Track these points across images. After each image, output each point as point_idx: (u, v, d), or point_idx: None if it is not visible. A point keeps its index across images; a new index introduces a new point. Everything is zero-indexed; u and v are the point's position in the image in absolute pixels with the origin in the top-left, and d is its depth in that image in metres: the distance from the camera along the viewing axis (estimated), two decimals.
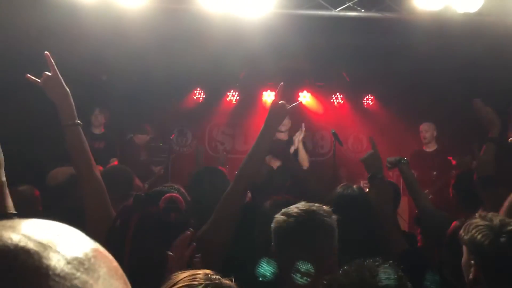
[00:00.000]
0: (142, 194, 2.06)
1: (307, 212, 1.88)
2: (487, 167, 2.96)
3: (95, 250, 0.57)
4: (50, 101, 2.43)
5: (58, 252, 0.52)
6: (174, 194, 2.05)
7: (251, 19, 4.89)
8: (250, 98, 8.84)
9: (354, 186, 2.75)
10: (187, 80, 7.96)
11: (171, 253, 1.76)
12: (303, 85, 8.72)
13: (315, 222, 1.87)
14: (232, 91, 8.75)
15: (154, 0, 4.65)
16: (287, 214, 1.91)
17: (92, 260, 0.55)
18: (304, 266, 1.79)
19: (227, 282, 1.44)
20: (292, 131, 5.61)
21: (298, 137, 5.27)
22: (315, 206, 1.92)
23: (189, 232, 1.82)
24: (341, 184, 2.79)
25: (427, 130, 6.70)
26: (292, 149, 5.57)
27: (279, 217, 1.92)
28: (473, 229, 1.97)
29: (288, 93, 8.75)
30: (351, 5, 4.82)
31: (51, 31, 5.23)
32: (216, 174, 3.26)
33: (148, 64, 6.39)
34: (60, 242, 0.54)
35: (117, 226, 1.96)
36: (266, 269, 1.92)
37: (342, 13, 4.83)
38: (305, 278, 1.77)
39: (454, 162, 6.32)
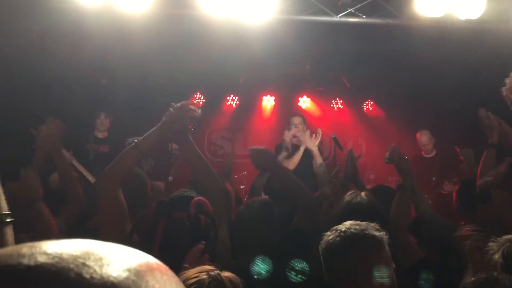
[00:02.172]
0: (165, 200, 2.04)
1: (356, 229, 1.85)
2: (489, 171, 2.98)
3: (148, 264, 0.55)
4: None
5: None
6: (202, 198, 2.04)
7: (252, 24, 4.90)
8: (250, 103, 8.86)
9: (363, 194, 2.71)
10: (188, 84, 7.96)
11: (186, 265, 1.76)
12: (303, 90, 8.75)
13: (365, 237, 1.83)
14: (232, 95, 8.76)
15: (156, 5, 4.65)
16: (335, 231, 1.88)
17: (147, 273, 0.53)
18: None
19: (227, 274, 1.49)
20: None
21: (315, 142, 5.25)
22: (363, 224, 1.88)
23: (201, 245, 1.81)
24: (349, 192, 2.74)
25: (427, 142, 6.70)
26: (300, 151, 5.60)
27: (327, 234, 1.88)
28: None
29: (288, 98, 8.80)
30: (353, 11, 4.83)
31: (53, 36, 5.23)
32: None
33: (149, 68, 6.40)
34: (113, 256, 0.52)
35: (140, 234, 1.93)
36: (261, 267, 1.85)
37: (343, 19, 4.84)
38: None
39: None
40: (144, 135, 2.36)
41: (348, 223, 1.89)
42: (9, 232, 1.40)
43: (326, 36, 5.62)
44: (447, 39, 5.00)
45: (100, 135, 6.22)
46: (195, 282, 1.43)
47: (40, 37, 5.18)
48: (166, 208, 1.97)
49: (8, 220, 1.30)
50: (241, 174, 7.74)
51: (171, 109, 2.37)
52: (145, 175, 3.40)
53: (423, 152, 6.87)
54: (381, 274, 1.71)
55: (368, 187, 6.71)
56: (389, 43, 5.81)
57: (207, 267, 1.51)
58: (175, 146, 6.35)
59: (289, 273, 2.04)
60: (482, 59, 5.31)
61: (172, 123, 2.34)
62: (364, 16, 4.84)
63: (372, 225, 1.87)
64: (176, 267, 1.81)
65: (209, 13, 4.65)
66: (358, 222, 1.89)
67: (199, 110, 2.59)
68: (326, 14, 4.86)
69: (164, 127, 2.37)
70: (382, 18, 4.84)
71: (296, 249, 2.50)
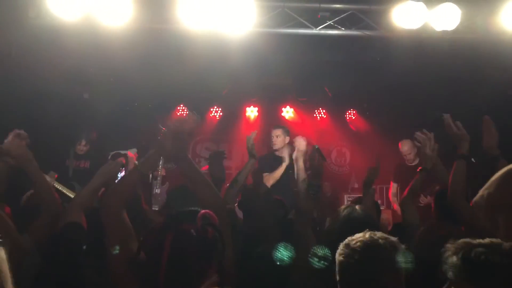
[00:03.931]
0: (174, 213, 2.04)
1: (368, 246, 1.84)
2: (459, 184, 3.00)
3: None
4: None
5: None
6: (208, 211, 2.05)
7: (233, 37, 4.93)
8: (233, 114, 8.88)
9: (357, 207, 2.67)
10: (171, 97, 7.96)
11: None
12: (286, 100, 8.79)
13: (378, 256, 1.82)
14: (215, 107, 8.78)
15: (137, 19, 4.66)
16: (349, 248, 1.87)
17: None
18: None
19: None
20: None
21: (293, 154, 5.28)
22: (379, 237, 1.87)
23: (215, 278, 1.82)
24: (344, 206, 2.71)
25: (408, 152, 6.78)
26: (282, 167, 5.62)
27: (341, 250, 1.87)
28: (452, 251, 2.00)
29: (271, 108, 8.83)
30: (332, 23, 4.89)
31: (32, 50, 5.20)
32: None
33: (131, 82, 6.38)
34: None
35: (147, 250, 1.92)
36: (283, 253, 1.87)
37: (322, 32, 4.89)
38: None
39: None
40: (145, 157, 2.38)
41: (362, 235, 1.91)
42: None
43: (307, 48, 5.67)
44: (425, 49, 5.07)
45: (80, 151, 6.18)
46: None
47: (18, 51, 5.15)
48: (174, 221, 1.96)
49: None
50: (226, 185, 7.72)
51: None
52: (139, 190, 3.41)
53: (406, 161, 6.93)
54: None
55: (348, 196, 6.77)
56: (369, 52, 5.89)
57: None
58: None
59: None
60: (459, 69, 5.41)
61: (168, 145, 2.34)
62: (343, 29, 4.90)
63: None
64: (184, 282, 1.81)
65: (190, 27, 4.67)
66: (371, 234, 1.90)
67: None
68: (306, 26, 4.91)
69: (162, 149, 2.37)
70: (360, 30, 4.91)
71: None
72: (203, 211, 2.00)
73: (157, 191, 6.30)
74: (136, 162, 2.39)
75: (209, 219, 1.97)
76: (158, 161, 2.49)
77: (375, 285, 1.80)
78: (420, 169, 3.44)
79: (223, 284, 1.70)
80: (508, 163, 3.09)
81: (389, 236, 1.87)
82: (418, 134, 3.46)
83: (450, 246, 1.91)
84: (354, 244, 1.86)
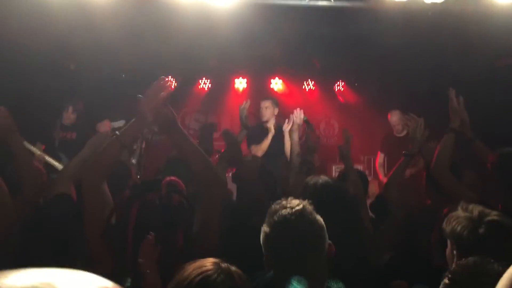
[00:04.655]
0: (139, 183, 2.03)
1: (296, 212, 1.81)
2: (444, 156, 3.05)
3: None
4: None
5: None
6: (174, 178, 2.04)
7: (221, 8, 4.88)
8: (222, 86, 8.83)
9: (323, 176, 2.68)
10: (158, 68, 7.87)
11: (141, 260, 1.76)
12: (275, 72, 8.75)
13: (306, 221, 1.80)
14: (204, 78, 8.72)
15: None
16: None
17: None
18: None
19: (235, 268, 1.51)
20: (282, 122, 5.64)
21: (287, 128, 5.28)
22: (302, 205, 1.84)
23: (150, 237, 1.81)
24: (311, 176, 2.72)
25: (397, 122, 6.82)
26: (268, 139, 5.61)
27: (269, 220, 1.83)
28: (453, 220, 2.05)
29: (260, 80, 8.80)
30: None
31: (16, 20, 5.10)
32: None
33: (118, 53, 6.30)
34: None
35: (116, 219, 1.94)
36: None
37: (312, 3, 4.85)
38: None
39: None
40: (125, 127, 2.30)
41: None
42: None
43: (296, 19, 5.61)
44: (414, 22, 5.06)
45: (67, 122, 6.13)
46: (204, 271, 1.44)
47: (2, 22, 5.04)
48: (140, 191, 1.97)
49: None
50: (215, 157, 7.75)
51: (141, 97, 2.29)
52: (125, 163, 3.39)
53: (394, 131, 6.99)
54: None
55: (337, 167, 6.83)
56: (358, 24, 5.85)
57: (211, 259, 1.52)
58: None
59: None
60: (447, 41, 5.41)
61: (147, 115, 2.26)
62: (332, 0, 4.86)
63: None
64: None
65: None
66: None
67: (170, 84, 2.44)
68: None
69: (141, 119, 2.28)
70: (350, 1, 4.87)
71: None
72: (168, 178, 2.00)
73: (134, 161, 6.30)
74: (117, 132, 2.32)
75: (175, 187, 1.97)
76: (139, 132, 2.41)
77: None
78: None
79: (191, 253, 1.70)
80: (482, 143, 3.15)
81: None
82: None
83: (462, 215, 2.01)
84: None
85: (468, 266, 1.48)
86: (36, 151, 4.77)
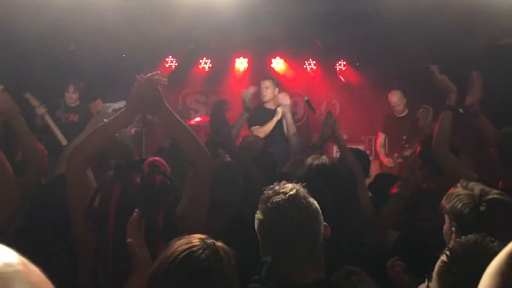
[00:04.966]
0: (122, 163, 2.02)
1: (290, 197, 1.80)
2: (444, 135, 3.04)
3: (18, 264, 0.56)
4: None
5: None
6: (157, 158, 2.04)
7: None
8: (223, 66, 8.78)
9: (324, 157, 2.67)
10: (159, 48, 7.83)
11: (129, 240, 1.77)
12: (276, 51, 8.69)
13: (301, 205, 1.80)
14: (204, 58, 8.66)
15: None
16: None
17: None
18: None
19: (220, 244, 1.53)
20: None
21: (284, 102, 5.28)
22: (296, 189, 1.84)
23: (136, 214, 1.81)
24: (312, 156, 2.72)
25: (398, 103, 6.80)
26: (274, 121, 5.59)
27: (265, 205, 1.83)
28: (454, 198, 2.06)
29: (261, 60, 8.75)
30: None
31: (13, 1, 5.06)
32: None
33: (117, 33, 6.25)
34: None
35: (99, 199, 1.94)
36: None
37: None
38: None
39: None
40: (113, 117, 2.31)
41: None
42: None
43: None
44: (416, 0, 5.01)
45: (71, 103, 6.13)
46: (189, 248, 1.45)
47: (1, 4, 5.00)
48: (122, 171, 1.96)
49: None
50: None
51: (135, 84, 2.30)
52: (129, 143, 3.39)
53: (395, 112, 6.97)
54: None
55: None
56: (360, 4, 5.80)
57: (197, 235, 1.53)
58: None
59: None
60: (449, 19, 5.36)
61: (140, 98, 2.27)
62: None
63: None
64: None
65: None
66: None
67: (166, 79, 2.53)
68: None
69: (132, 106, 2.30)
70: None
71: None
72: (151, 158, 1.99)
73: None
74: (105, 120, 2.32)
75: (158, 167, 1.96)
76: (127, 122, 2.40)
77: None
78: (446, 106, 3.30)
79: (177, 231, 1.70)
80: (487, 118, 3.15)
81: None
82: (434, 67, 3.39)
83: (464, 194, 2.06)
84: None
85: (468, 245, 1.46)
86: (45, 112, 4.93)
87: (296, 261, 1.76)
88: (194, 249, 1.45)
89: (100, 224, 1.91)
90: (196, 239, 1.50)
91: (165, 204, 1.95)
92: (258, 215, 1.83)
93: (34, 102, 5.35)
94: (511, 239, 1.89)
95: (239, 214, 2.62)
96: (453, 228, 2.04)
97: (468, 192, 2.05)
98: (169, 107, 2.32)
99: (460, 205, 2.03)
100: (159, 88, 2.30)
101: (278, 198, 1.79)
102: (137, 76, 2.29)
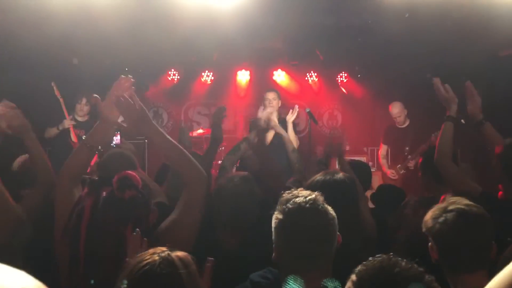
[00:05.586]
0: (95, 178, 2.01)
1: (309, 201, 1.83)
2: (446, 146, 3.05)
3: None
4: None
5: None
6: (129, 172, 2.00)
7: (222, 0, 4.88)
8: (225, 78, 8.83)
9: (342, 174, 2.70)
10: (161, 61, 7.89)
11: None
12: (277, 64, 8.74)
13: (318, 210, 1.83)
14: (206, 71, 8.72)
15: None
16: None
17: None
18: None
19: (178, 253, 1.51)
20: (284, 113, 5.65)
21: (290, 118, 5.30)
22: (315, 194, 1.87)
23: (137, 234, 1.79)
24: (324, 172, 2.71)
25: (398, 114, 6.83)
26: (272, 132, 5.59)
27: (281, 207, 1.84)
28: (429, 211, 2.10)
29: (263, 72, 8.79)
30: None
31: (17, 16, 5.11)
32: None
33: (120, 47, 6.30)
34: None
35: (75, 216, 1.93)
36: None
37: None
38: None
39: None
40: (90, 131, 2.30)
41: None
42: None
43: (298, 11, 5.60)
44: (416, 12, 5.04)
45: (80, 118, 6.15)
46: (146, 264, 1.44)
47: (5, 18, 5.05)
48: (95, 186, 1.95)
49: None
50: (218, 149, 7.76)
51: (106, 97, 2.23)
52: (132, 156, 3.38)
53: (396, 123, 6.99)
54: None
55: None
56: (360, 15, 5.83)
57: (159, 248, 1.52)
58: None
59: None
60: (450, 31, 5.39)
61: (112, 115, 2.22)
62: None
63: None
64: (101, 244, 1.82)
65: None
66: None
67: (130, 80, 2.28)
68: None
69: (104, 120, 2.25)
70: None
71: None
72: (123, 173, 1.97)
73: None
74: (83, 136, 2.31)
75: (129, 181, 1.94)
76: (107, 135, 2.35)
77: None
78: (447, 117, 3.20)
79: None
80: (492, 126, 3.16)
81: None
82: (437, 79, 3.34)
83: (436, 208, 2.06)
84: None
85: (373, 269, 1.32)
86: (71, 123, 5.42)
87: (310, 264, 1.77)
88: (149, 267, 1.44)
89: (73, 239, 1.90)
90: (149, 254, 1.49)
91: (135, 218, 1.93)
92: (278, 215, 1.84)
93: (57, 92, 5.67)
94: (478, 248, 1.89)
95: (256, 227, 2.61)
96: (429, 243, 2.07)
97: (440, 205, 2.09)
98: (156, 124, 2.20)
99: (428, 216, 2.08)
100: (141, 105, 2.17)
101: (298, 200, 1.82)
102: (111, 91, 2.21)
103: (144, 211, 1.98)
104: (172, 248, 1.53)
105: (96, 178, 1.98)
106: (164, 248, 1.51)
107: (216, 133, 4.00)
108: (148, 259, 1.46)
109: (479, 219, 2.00)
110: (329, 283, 1.69)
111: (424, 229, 2.09)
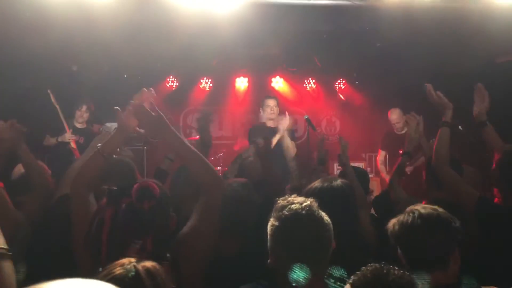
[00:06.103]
0: (114, 188, 2.02)
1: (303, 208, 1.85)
2: (443, 151, 3.06)
3: None
4: None
5: None
6: (147, 181, 2.00)
7: (221, 7, 4.90)
8: (223, 85, 8.86)
9: (340, 180, 2.69)
10: (160, 68, 7.91)
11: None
12: (276, 71, 8.78)
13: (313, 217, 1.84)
14: (205, 78, 8.75)
15: None
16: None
17: None
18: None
19: (145, 264, 1.49)
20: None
21: (283, 125, 5.30)
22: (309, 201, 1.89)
23: (136, 246, 1.80)
24: (322, 178, 2.72)
25: (397, 120, 6.86)
26: (276, 138, 5.61)
27: (277, 214, 1.86)
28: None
29: (261, 79, 8.82)
30: None
31: (18, 23, 5.13)
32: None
33: (119, 53, 6.33)
34: None
35: (95, 226, 1.94)
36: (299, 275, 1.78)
37: (312, 2, 4.87)
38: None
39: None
40: (107, 139, 2.32)
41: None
42: (7, 265, 1.48)
43: (296, 18, 5.64)
44: (414, 19, 5.07)
45: (79, 125, 6.16)
46: (111, 278, 1.42)
47: (5, 25, 5.07)
48: (114, 197, 1.94)
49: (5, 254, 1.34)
50: (217, 156, 7.79)
51: (127, 110, 2.26)
52: (132, 162, 3.38)
53: (394, 129, 7.01)
54: None
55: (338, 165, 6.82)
56: (358, 22, 5.87)
57: (128, 259, 1.50)
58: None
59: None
60: (447, 37, 5.42)
61: (129, 124, 2.25)
62: None
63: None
64: (121, 256, 1.82)
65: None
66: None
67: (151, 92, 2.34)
68: None
69: (122, 131, 2.29)
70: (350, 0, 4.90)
71: None
72: (142, 182, 1.98)
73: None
74: (99, 145, 2.32)
75: (148, 191, 1.96)
76: (121, 144, 2.39)
77: None
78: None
79: (177, 254, 1.65)
80: (495, 128, 3.19)
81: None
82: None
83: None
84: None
85: (367, 279, 1.33)
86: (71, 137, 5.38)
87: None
88: (114, 281, 1.38)
89: (95, 250, 1.91)
90: (117, 267, 1.47)
91: (154, 228, 1.94)
92: (273, 222, 1.85)
93: (54, 99, 5.65)
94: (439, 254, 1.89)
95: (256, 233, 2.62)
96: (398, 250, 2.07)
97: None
98: (174, 129, 2.25)
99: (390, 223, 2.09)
100: (159, 112, 2.23)
101: (294, 206, 1.84)
102: (131, 102, 2.26)
103: (164, 221, 1.97)
104: (142, 260, 1.52)
105: (115, 188, 1.98)
106: (132, 260, 1.50)
107: (204, 138, 4.00)
108: (113, 274, 1.44)
109: (428, 220, 1.99)
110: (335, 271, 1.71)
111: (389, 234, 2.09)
